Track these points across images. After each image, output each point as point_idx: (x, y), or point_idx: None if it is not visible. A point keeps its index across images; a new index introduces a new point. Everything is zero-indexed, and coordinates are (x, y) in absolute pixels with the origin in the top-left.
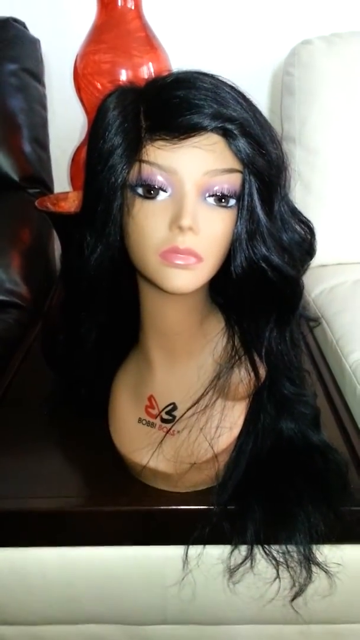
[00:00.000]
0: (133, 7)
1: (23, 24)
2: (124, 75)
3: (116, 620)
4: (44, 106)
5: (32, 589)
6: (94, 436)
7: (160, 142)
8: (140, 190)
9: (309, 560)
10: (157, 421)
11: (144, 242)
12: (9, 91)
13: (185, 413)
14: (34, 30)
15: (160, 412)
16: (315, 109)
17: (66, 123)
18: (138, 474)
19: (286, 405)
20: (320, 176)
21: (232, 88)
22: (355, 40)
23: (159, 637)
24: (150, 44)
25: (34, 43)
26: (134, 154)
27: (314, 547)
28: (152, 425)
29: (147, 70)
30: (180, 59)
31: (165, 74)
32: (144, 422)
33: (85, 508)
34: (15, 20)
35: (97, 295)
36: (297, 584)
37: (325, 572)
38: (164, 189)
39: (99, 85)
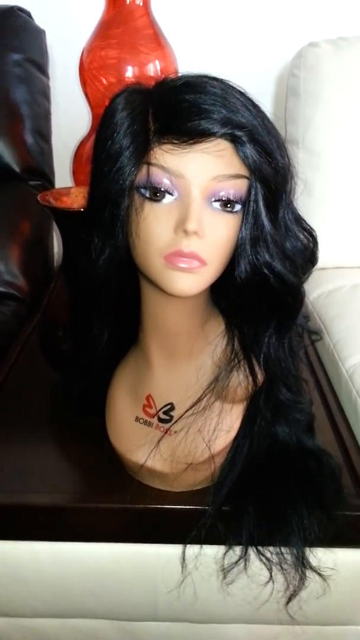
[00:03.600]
0: (141, 4)
1: (28, 14)
2: (130, 72)
3: (108, 615)
4: (47, 98)
5: (26, 582)
6: (91, 433)
7: (168, 146)
8: (146, 193)
9: (302, 563)
10: (155, 420)
11: (149, 245)
12: (12, 81)
13: (183, 414)
14: (39, 20)
15: (157, 412)
16: (320, 112)
17: (69, 115)
18: (134, 472)
19: (282, 410)
20: (323, 179)
21: (242, 94)
22: None
23: (150, 633)
24: (157, 41)
25: (39, 33)
26: (141, 156)
27: (308, 550)
28: (150, 424)
29: (154, 68)
30: (187, 57)
31: (175, 76)
32: (141, 421)
33: (81, 504)
34: (21, 9)
35: (105, 296)
36: (290, 586)
37: (319, 575)
38: (171, 192)
39: (104, 81)
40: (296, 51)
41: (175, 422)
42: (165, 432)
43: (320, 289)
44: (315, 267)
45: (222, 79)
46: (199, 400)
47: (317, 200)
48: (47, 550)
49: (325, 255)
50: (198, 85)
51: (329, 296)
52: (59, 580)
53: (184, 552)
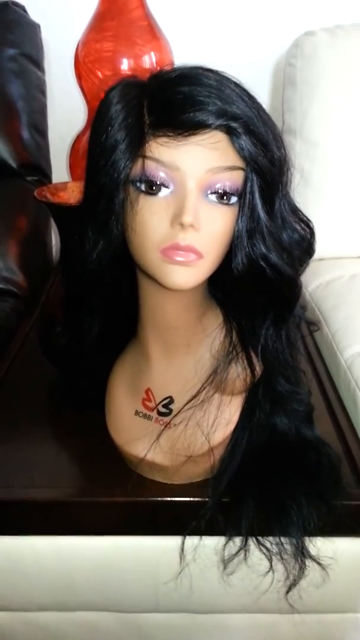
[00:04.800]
0: None
1: (23, 8)
2: (125, 64)
3: (109, 607)
4: (43, 92)
5: (27, 576)
6: (91, 427)
7: (163, 139)
8: (142, 186)
9: (302, 553)
10: (154, 414)
11: (145, 238)
12: (7, 76)
13: (183, 407)
14: (33, 14)
15: (157, 405)
16: (317, 101)
17: (65, 110)
18: (134, 465)
19: (280, 401)
20: (320, 169)
21: (237, 85)
22: (359, 33)
23: (152, 624)
24: (152, 33)
25: (34, 28)
26: (136, 149)
27: (307, 539)
28: (149, 417)
29: (149, 60)
30: (182, 49)
31: (170, 68)
32: (140, 414)
33: (81, 498)
34: (15, 3)
35: (98, 290)
36: (290, 576)
37: (318, 564)
38: (166, 185)
39: (100, 74)
40: (293, 40)
41: (175, 415)
42: (165, 425)
43: (319, 280)
44: (313, 258)
45: (217, 71)
46: (198, 393)
47: (314, 190)
48: (47, 545)
49: (323, 246)
50: (193, 77)
51: (327, 287)
52: (60, 574)
53: (183, 544)
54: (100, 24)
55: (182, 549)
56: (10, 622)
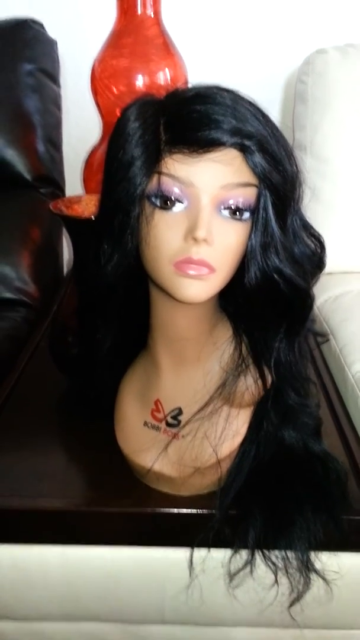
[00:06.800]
0: (152, 14)
1: (41, 25)
2: (140, 81)
3: (115, 618)
4: (58, 107)
5: (34, 586)
6: (100, 437)
7: (179, 156)
8: (157, 201)
9: (307, 567)
10: (163, 425)
11: (159, 252)
12: (25, 91)
13: (191, 418)
14: (51, 31)
15: (166, 416)
16: (328, 118)
17: (80, 124)
18: (142, 476)
19: (290, 414)
20: (330, 185)
21: (251, 104)
22: None
23: (157, 636)
24: (167, 50)
25: (51, 44)
26: (153, 165)
27: (313, 554)
28: (158, 428)
29: (164, 76)
30: (197, 65)
31: (186, 87)
32: (149, 425)
33: (89, 508)
34: (34, 21)
35: (111, 301)
36: (295, 590)
37: (323, 579)
38: (181, 200)
39: (115, 90)
40: (304, 58)
41: (183, 426)
42: (173, 437)
43: (327, 294)
44: (322, 272)
45: (231, 90)
46: (206, 404)
47: (324, 205)
48: (55, 554)
49: (332, 261)
50: (208, 96)
51: (335, 301)
52: (67, 584)
53: (191, 556)
54: (116, 41)
55: (191, 561)
56: (15, 631)
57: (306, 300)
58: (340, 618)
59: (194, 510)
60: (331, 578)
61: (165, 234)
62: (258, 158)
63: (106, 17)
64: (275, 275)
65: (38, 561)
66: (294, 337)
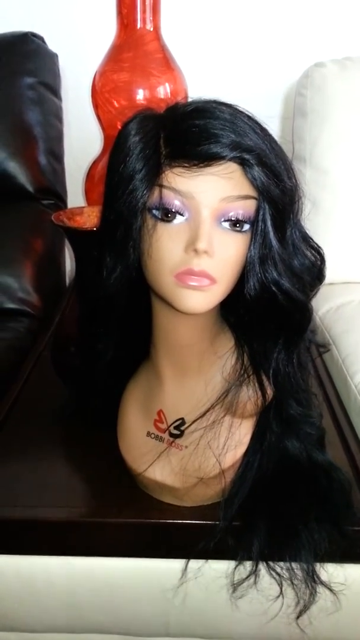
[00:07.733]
0: (152, 29)
1: (42, 38)
2: (141, 95)
3: (118, 630)
4: (60, 119)
5: (37, 596)
6: (103, 447)
7: (179, 169)
8: (158, 214)
9: (312, 578)
10: (166, 435)
11: (160, 263)
12: (26, 104)
13: (192, 426)
14: (52, 44)
15: (168, 427)
16: (326, 130)
17: (81, 136)
18: (145, 487)
19: (292, 425)
20: (330, 196)
21: (250, 118)
22: None
23: None
24: (167, 64)
25: (52, 57)
26: (154, 179)
27: (318, 565)
28: (161, 439)
29: (164, 90)
30: (196, 79)
31: (185, 102)
32: (152, 435)
33: (92, 519)
34: (35, 34)
35: (113, 312)
36: (301, 602)
37: (330, 590)
38: (182, 212)
39: (116, 103)
40: (303, 71)
41: (186, 437)
42: (176, 447)
43: (329, 304)
44: (323, 283)
45: (230, 104)
46: (206, 412)
47: (324, 216)
48: (58, 565)
49: (333, 271)
50: (207, 110)
51: (337, 311)
52: (70, 595)
53: (194, 567)
54: (117, 56)
55: (194, 572)
56: None
57: (304, 312)
58: (348, 630)
59: (197, 521)
60: (337, 589)
61: (166, 245)
62: (257, 171)
63: (106, 31)
64: (273, 287)
65: (41, 571)
66: (293, 348)
